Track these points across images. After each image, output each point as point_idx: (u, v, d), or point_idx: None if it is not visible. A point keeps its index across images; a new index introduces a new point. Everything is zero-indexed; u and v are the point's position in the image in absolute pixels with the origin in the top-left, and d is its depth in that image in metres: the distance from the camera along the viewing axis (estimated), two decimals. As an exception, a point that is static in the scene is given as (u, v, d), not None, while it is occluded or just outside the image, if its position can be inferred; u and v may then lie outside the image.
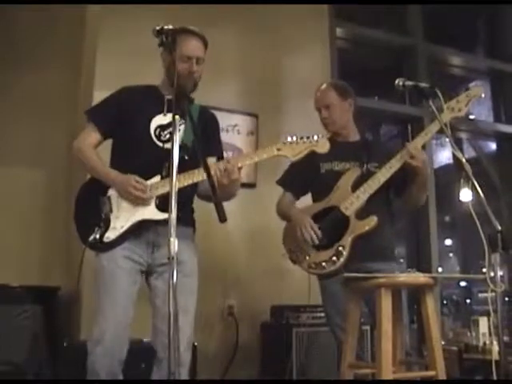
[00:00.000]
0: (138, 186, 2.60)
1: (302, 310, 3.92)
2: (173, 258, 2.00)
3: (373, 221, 3.02)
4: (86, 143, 2.77)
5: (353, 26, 5.61)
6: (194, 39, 2.76)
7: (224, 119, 4.45)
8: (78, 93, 4.57)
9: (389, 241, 3.23)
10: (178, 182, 2.43)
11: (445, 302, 8.50)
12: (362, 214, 3.05)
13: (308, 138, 2.70)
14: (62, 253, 4.18)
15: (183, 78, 2.66)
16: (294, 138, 2.69)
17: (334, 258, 2.98)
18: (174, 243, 2.02)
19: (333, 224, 3.04)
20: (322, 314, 3.74)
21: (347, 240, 3.00)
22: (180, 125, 2.68)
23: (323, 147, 2.71)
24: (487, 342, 4.45)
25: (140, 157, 2.69)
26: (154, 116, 2.76)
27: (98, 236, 2.60)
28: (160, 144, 2.73)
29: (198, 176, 2.60)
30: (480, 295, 9.74)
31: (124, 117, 2.77)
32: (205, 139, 2.67)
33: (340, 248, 2.99)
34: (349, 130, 3.33)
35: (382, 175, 3.06)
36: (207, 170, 2.18)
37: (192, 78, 2.76)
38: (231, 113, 4.56)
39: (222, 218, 2.03)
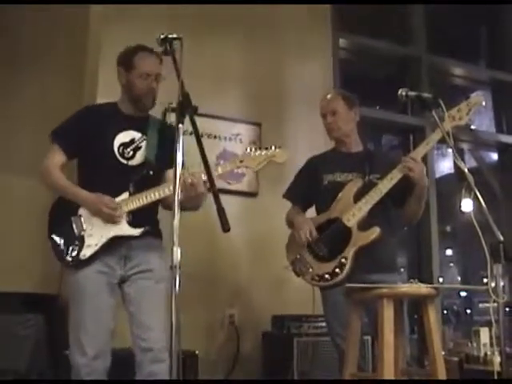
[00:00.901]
0: (109, 205, 2.68)
1: (304, 320, 3.92)
2: (175, 267, 2.01)
3: (375, 232, 3.02)
4: (52, 165, 2.82)
5: (355, 36, 5.63)
6: (152, 57, 2.86)
7: (226, 128, 4.48)
8: (81, 100, 4.56)
9: (390, 252, 3.23)
10: (148, 197, 2.72)
11: (445, 311, 8.48)
12: (363, 225, 3.05)
13: (266, 148, 2.85)
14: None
15: (143, 95, 2.85)
16: (254, 150, 2.84)
17: (337, 270, 2.98)
18: (177, 252, 2.02)
19: (335, 236, 3.05)
20: (324, 324, 3.73)
21: (350, 252, 3.00)
22: (141, 141, 2.86)
23: (281, 157, 2.85)
24: (488, 353, 4.44)
25: (106, 175, 2.78)
26: (116, 134, 2.84)
27: (74, 254, 2.68)
28: (124, 161, 2.82)
29: (166, 190, 2.72)
30: (480, 305, 9.71)
31: (88, 136, 2.82)
32: (167, 151, 2.73)
33: (343, 260, 2.99)
34: (352, 139, 3.33)
35: (384, 186, 3.06)
36: (211, 180, 2.18)
37: (151, 95, 2.88)
38: (234, 122, 4.56)
39: (226, 227, 2.02)
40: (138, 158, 2.84)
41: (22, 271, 4.05)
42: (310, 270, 3.05)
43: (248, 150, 2.86)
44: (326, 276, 3.00)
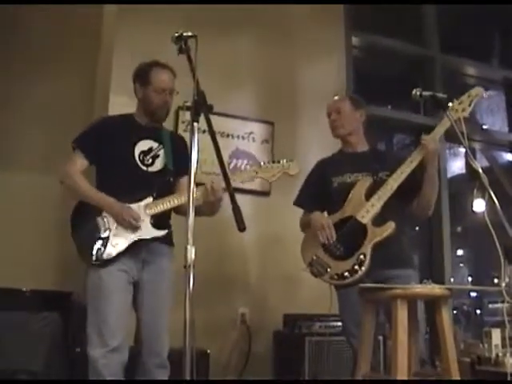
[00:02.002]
0: (134, 216, 2.82)
1: (315, 319, 3.91)
2: (189, 266, 2.02)
3: (391, 226, 3.02)
4: (74, 170, 2.95)
5: (368, 34, 5.62)
6: (166, 72, 3.03)
7: (239, 127, 4.49)
8: (94, 101, 4.57)
9: (405, 247, 3.22)
10: (171, 202, 2.88)
11: (454, 311, 8.45)
12: (377, 221, 3.05)
13: (279, 161, 3.04)
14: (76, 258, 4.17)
15: (159, 108, 3.03)
16: (268, 163, 3.06)
17: (356, 267, 2.97)
18: (191, 251, 2.03)
19: (350, 233, 3.04)
20: (335, 323, 3.74)
21: (367, 247, 2.99)
22: (159, 150, 3.04)
23: (294, 170, 3.05)
24: (500, 354, 4.40)
25: (128, 180, 2.93)
26: (136, 142, 3.01)
27: (100, 254, 2.80)
28: (144, 168, 2.98)
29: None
30: (490, 306, 9.66)
31: (107, 144, 2.97)
32: (181, 160, 2.95)
33: (361, 256, 2.98)
34: (358, 139, 3.34)
35: (394, 181, 3.06)
36: (227, 179, 2.19)
37: (166, 108, 3.05)
38: (246, 120, 4.57)
39: (241, 226, 2.03)
40: (157, 165, 3.00)
41: (37, 269, 4.07)
42: (328, 269, 3.04)
43: (263, 163, 3.07)
44: (346, 274, 2.99)
